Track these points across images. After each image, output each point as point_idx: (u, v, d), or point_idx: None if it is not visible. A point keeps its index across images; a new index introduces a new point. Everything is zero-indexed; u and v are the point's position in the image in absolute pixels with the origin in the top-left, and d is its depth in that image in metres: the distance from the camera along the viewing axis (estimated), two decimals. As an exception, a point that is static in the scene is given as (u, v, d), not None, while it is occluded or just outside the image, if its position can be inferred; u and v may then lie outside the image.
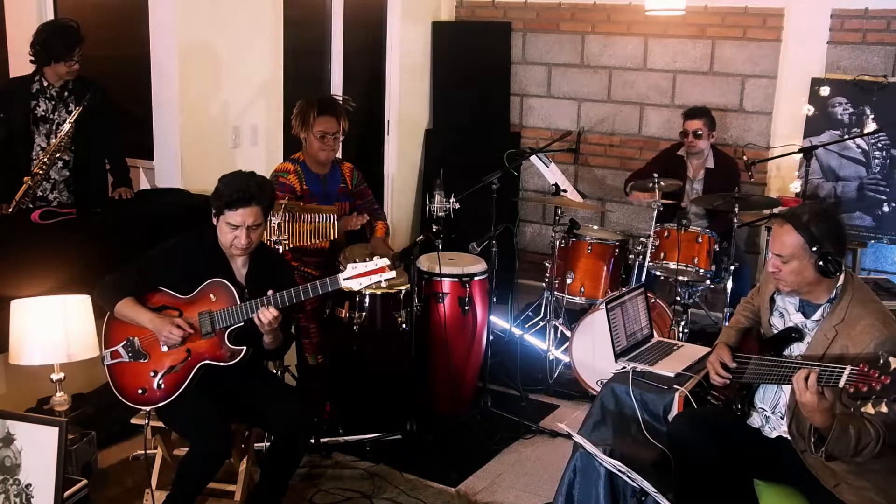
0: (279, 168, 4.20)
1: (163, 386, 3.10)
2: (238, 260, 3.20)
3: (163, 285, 3.17)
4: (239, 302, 3.06)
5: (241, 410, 3.21)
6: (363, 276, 3.02)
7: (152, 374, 3.12)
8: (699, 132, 5.01)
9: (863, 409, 2.36)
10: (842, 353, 2.57)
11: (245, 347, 3.08)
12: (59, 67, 3.92)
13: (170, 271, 3.17)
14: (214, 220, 3.14)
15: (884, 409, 2.33)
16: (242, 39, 4.69)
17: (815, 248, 2.60)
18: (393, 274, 3.04)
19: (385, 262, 3.03)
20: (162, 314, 3.12)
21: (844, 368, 2.41)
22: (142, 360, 3.14)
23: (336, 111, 4.12)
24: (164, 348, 3.11)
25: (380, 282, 3.04)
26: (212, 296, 3.11)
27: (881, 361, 2.34)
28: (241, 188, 3.07)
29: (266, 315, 3.00)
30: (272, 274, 3.23)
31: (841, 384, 2.40)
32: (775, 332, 2.86)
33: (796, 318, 2.79)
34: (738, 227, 4.79)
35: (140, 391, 3.13)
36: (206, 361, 3.10)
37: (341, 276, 3.04)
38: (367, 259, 3.05)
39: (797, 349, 2.76)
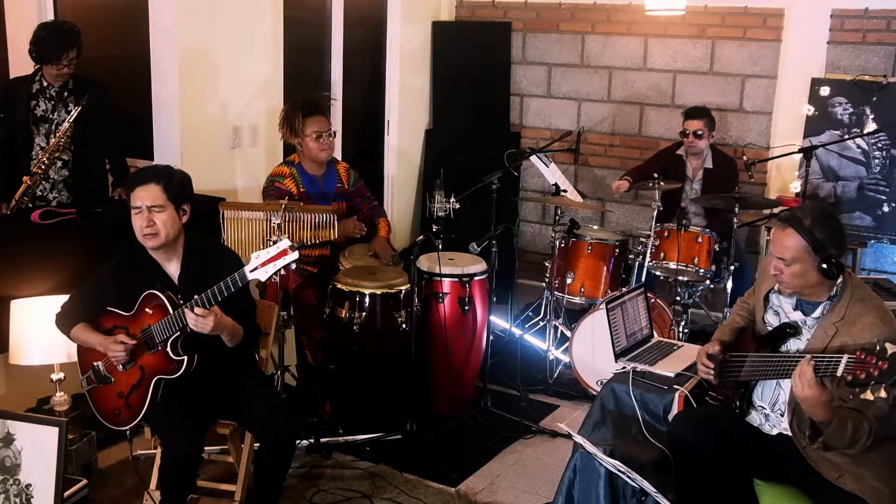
0: (275, 172, 4.20)
1: (130, 406, 3.09)
2: (170, 264, 3.13)
3: (109, 305, 3.13)
4: (171, 311, 2.98)
5: (225, 413, 3.20)
6: (268, 263, 2.88)
7: (119, 395, 3.12)
8: (699, 132, 5.01)
9: (862, 397, 2.37)
10: (841, 350, 2.57)
11: (186, 357, 3.00)
12: (49, 69, 3.91)
13: (109, 290, 3.12)
14: None
15: (882, 394, 2.34)
16: (242, 39, 4.69)
17: (818, 252, 2.61)
18: (296, 255, 2.88)
19: (286, 243, 2.87)
20: (113, 334, 3.08)
21: (842, 357, 2.43)
22: (109, 384, 3.14)
23: (322, 109, 4.14)
24: (120, 368, 3.09)
25: (288, 265, 2.90)
26: (147, 310, 3.05)
27: (878, 348, 2.36)
28: (145, 169, 3.09)
29: (190, 317, 2.90)
30: (208, 267, 3.09)
31: (839, 372, 2.42)
32: (770, 329, 2.86)
33: (795, 316, 2.79)
34: (738, 226, 4.79)
35: (114, 413, 3.14)
36: (159, 376, 3.05)
37: (247, 268, 2.91)
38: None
39: (794, 345, 2.77)
